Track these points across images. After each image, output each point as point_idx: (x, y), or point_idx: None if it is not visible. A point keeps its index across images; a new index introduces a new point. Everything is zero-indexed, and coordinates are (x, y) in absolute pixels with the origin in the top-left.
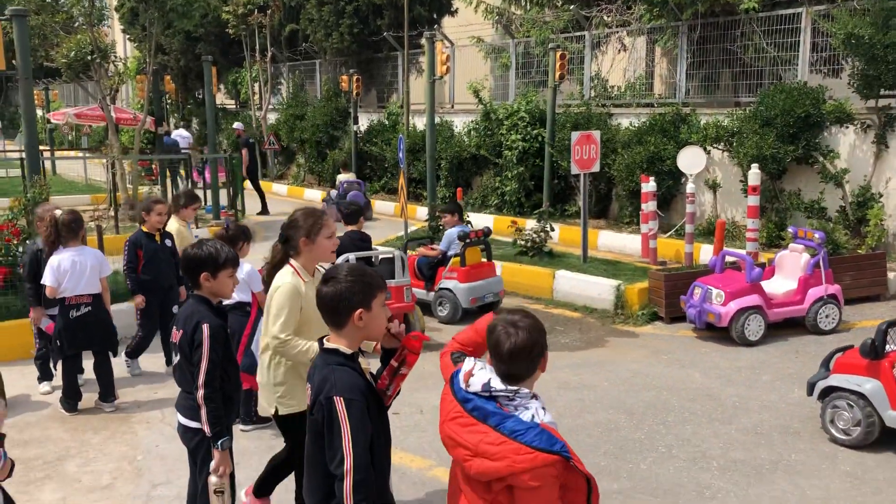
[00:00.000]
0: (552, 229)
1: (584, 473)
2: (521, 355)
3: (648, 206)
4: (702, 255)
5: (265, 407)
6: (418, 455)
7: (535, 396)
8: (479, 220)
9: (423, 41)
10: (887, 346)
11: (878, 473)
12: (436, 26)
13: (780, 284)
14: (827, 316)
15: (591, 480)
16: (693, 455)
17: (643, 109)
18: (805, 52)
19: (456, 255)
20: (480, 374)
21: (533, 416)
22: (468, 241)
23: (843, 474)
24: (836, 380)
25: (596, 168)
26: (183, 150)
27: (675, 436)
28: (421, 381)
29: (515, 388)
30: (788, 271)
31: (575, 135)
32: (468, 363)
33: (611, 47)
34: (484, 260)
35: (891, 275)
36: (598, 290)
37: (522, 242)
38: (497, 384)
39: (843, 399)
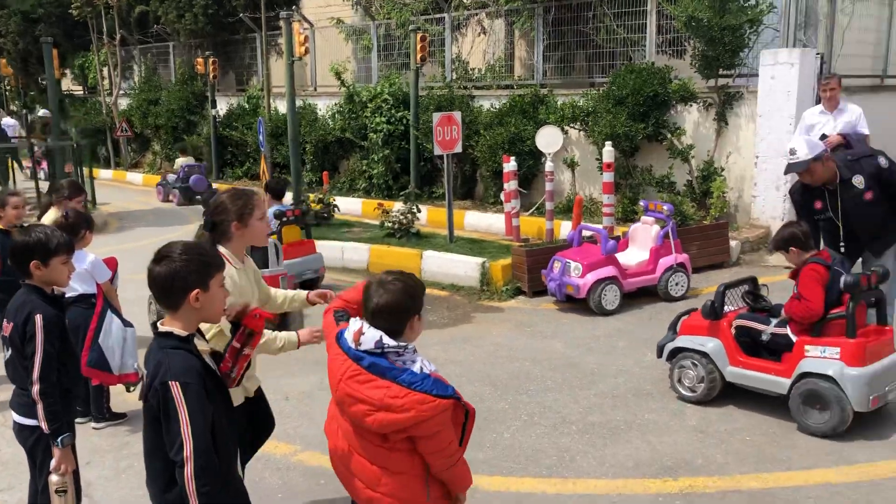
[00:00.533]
0: (419, 211)
1: (467, 408)
2: (384, 314)
3: (510, 186)
4: (562, 230)
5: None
6: (283, 441)
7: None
8: (348, 203)
9: (281, 22)
10: (725, 307)
11: (720, 426)
12: (294, 7)
13: (634, 255)
14: (677, 283)
15: (471, 411)
16: (554, 421)
17: (503, 91)
18: (651, 33)
19: (273, 234)
20: (370, 332)
21: (422, 368)
22: (284, 219)
23: (689, 429)
24: (681, 341)
25: (458, 149)
26: (12, 140)
27: (537, 403)
28: (285, 367)
29: (404, 343)
30: (641, 243)
31: (436, 116)
32: (355, 323)
33: (471, 30)
34: (303, 238)
35: (733, 243)
36: (465, 268)
37: (390, 224)
38: (389, 341)
39: (688, 359)
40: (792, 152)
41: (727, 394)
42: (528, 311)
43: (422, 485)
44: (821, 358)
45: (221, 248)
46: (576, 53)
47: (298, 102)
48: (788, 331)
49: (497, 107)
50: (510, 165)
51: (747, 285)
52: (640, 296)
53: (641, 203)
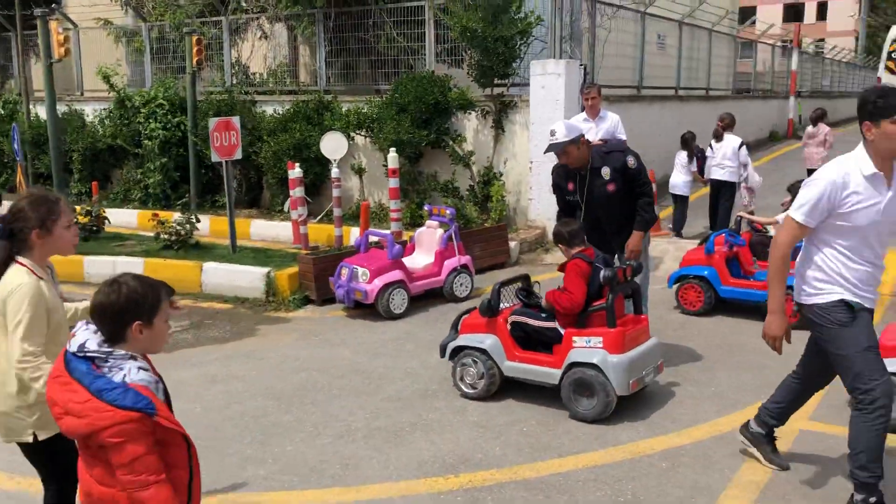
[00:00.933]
0: (198, 220)
1: (179, 431)
2: (97, 315)
3: (296, 193)
4: (352, 237)
5: (15, 436)
6: None
7: (133, 357)
8: (121, 215)
9: (38, 21)
10: (501, 304)
11: (499, 419)
12: (54, 5)
13: (420, 259)
14: (461, 284)
15: (187, 437)
16: (339, 430)
17: (287, 97)
18: (430, 43)
19: None
20: (81, 334)
21: (124, 377)
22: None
23: (471, 424)
24: (462, 340)
25: (238, 155)
26: None
27: (322, 413)
28: None
29: (110, 349)
30: (427, 246)
31: (213, 122)
32: (78, 324)
33: (251, 34)
34: None
35: (512, 243)
36: (249, 278)
37: (166, 236)
38: (91, 345)
39: (468, 356)
40: (552, 133)
41: (508, 388)
42: (316, 319)
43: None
44: (586, 348)
45: (21, 259)
46: (359, 60)
47: (63, 108)
48: (557, 324)
49: (281, 112)
50: (295, 172)
51: (521, 282)
52: (428, 298)
53: (426, 207)
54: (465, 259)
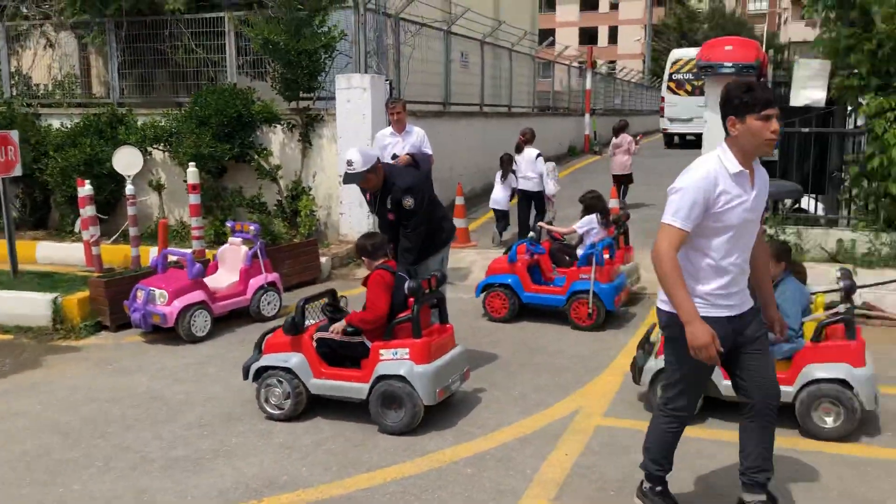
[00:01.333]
0: None
1: None
2: None
3: (87, 212)
4: (151, 257)
5: None
6: None
7: None
8: None
9: None
10: (307, 321)
11: (306, 439)
12: None
13: (224, 278)
14: (269, 303)
15: None
16: (133, 462)
17: (76, 109)
18: (231, 55)
19: None
20: None
21: None
22: None
23: (277, 447)
24: (266, 360)
25: (18, 172)
26: None
27: (114, 446)
28: None
29: None
30: (230, 265)
31: None
32: None
33: (33, 42)
34: None
35: (323, 259)
36: (32, 306)
37: None
38: None
39: (273, 377)
40: (349, 163)
41: (316, 406)
42: (110, 346)
43: None
44: (393, 360)
45: None
46: (156, 72)
47: None
48: (364, 338)
49: (69, 126)
50: (86, 190)
51: (327, 298)
52: (233, 318)
53: (228, 224)
54: (273, 276)
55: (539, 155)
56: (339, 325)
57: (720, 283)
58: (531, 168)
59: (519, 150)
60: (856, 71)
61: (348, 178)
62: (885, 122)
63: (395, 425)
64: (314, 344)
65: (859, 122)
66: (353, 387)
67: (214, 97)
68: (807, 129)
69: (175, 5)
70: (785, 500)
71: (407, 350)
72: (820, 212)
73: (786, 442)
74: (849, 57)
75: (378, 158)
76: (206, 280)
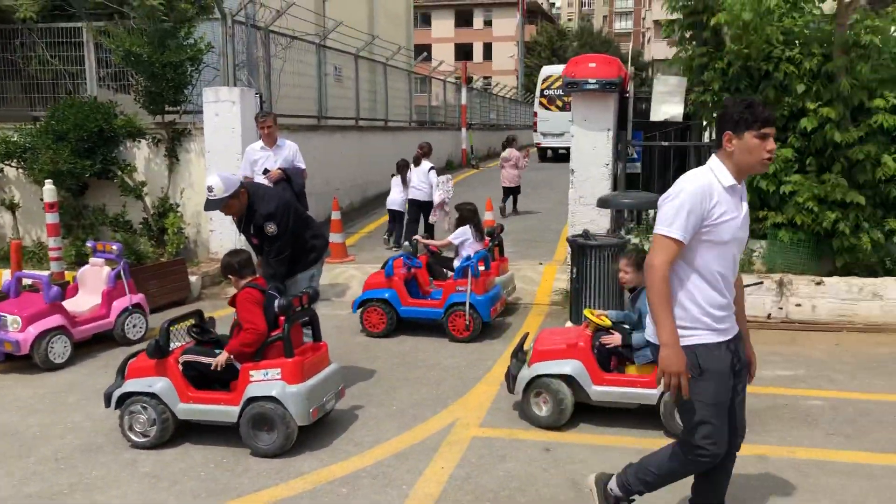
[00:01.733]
0: None
1: None
2: None
3: None
4: (4, 281)
5: None
6: None
7: None
8: None
9: None
10: (173, 344)
11: (174, 467)
12: None
13: (85, 301)
14: (134, 325)
15: None
16: None
17: None
18: (91, 66)
19: None
20: None
21: None
22: None
23: (142, 476)
24: (129, 385)
25: None
26: None
27: None
28: None
29: None
30: (92, 287)
31: None
32: None
33: None
34: None
35: (193, 278)
36: None
37: None
38: None
39: (137, 403)
40: (210, 190)
41: (185, 431)
42: None
43: None
44: (264, 381)
45: None
46: (7, 84)
47: None
48: (232, 359)
49: None
50: None
51: (193, 319)
52: (96, 343)
53: (89, 244)
54: (138, 298)
55: (432, 168)
56: (222, 359)
57: (719, 304)
58: (423, 179)
59: (416, 162)
60: (709, 87)
61: (209, 205)
62: None
63: (268, 448)
64: (180, 367)
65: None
66: (223, 410)
67: (73, 111)
68: (666, 143)
69: (27, 13)
70: (654, 497)
71: (278, 370)
72: None
73: (652, 443)
74: (703, 74)
75: (241, 184)
76: (66, 303)
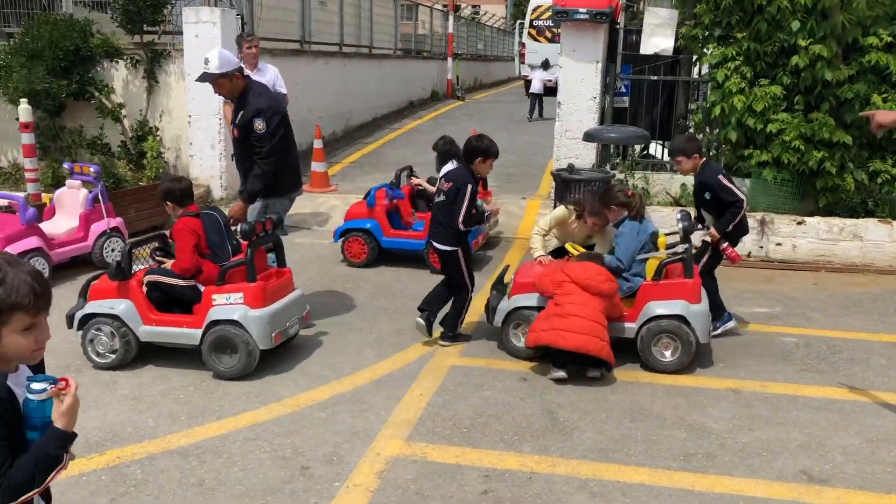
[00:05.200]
0: None
1: None
2: None
3: None
4: None
5: None
6: None
7: None
8: None
9: None
10: (135, 266)
11: (153, 389)
12: None
13: (63, 223)
14: (112, 249)
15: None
16: None
17: None
18: None
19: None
20: None
21: None
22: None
23: (121, 398)
24: (92, 306)
25: None
26: None
27: None
28: None
29: None
30: (69, 209)
31: None
32: None
33: None
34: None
35: None
36: None
37: None
38: None
39: (99, 324)
40: (206, 62)
41: (164, 356)
42: None
43: None
44: (226, 305)
45: None
46: None
47: None
48: (195, 282)
49: None
50: None
51: (156, 242)
52: (75, 266)
53: (66, 165)
54: (116, 221)
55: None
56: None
57: None
58: None
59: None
60: (700, 21)
61: (201, 77)
62: (726, 72)
63: (229, 371)
64: (144, 289)
65: (704, 71)
66: (185, 332)
67: (48, 28)
68: (655, 77)
69: None
70: (622, 427)
71: (241, 294)
72: (667, 158)
73: (627, 375)
74: (695, 7)
75: (240, 69)
76: (43, 226)
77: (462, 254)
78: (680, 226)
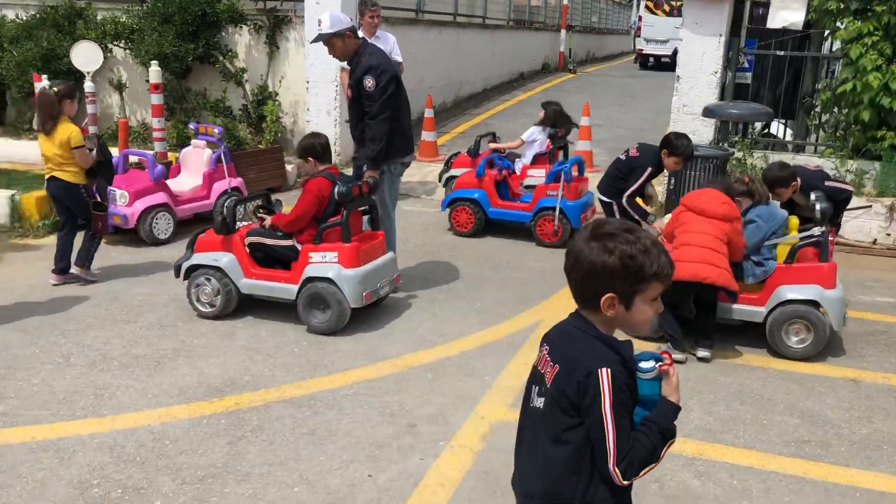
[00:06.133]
0: None
1: None
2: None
3: None
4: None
5: None
6: None
7: None
8: None
9: None
10: (238, 223)
11: (269, 342)
12: None
13: (187, 181)
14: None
15: None
16: (93, 359)
17: (32, 1)
18: None
19: None
20: None
21: None
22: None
23: (239, 348)
24: (197, 258)
25: None
26: None
27: (74, 343)
28: None
29: None
30: (194, 168)
31: None
32: None
33: None
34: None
35: (288, 167)
36: None
37: None
38: None
39: (203, 275)
40: (318, 23)
41: (279, 311)
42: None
43: None
44: (322, 263)
45: None
46: None
47: None
48: (294, 241)
49: (25, 18)
50: (43, 85)
51: (261, 200)
52: (198, 223)
53: (191, 126)
54: (237, 182)
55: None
56: (266, 222)
57: None
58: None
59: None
60: None
61: (315, 38)
62: (862, 48)
63: (321, 325)
64: (246, 247)
65: (836, 47)
66: (283, 287)
67: None
68: (782, 52)
69: None
70: (731, 409)
71: (335, 254)
72: (788, 137)
73: (738, 358)
74: None
75: (352, 28)
76: (169, 183)
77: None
78: (818, 207)
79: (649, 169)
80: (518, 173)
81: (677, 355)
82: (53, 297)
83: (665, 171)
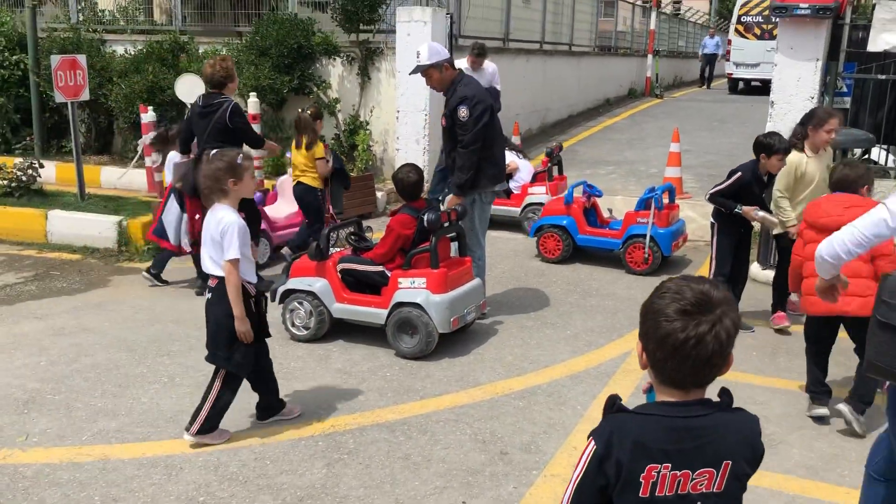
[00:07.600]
0: (41, 166)
1: None
2: None
3: (149, 138)
4: None
5: None
6: None
7: None
8: None
9: None
10: (331, 249)
11: (363, 366)
12: None
13: (283, 208)
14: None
15: None
16: (198, 380)
17: (139, 36)
18: None
19: None
20: None
21: None
22: None
23: (334, 371)
24: (292, 283)
25: (85, 96)
26: None
27: (178, 365)
28: None
29: None
30: (289, 195)
31: (55, 59)
32: None
33: None
34: None
35: (379, 194)
36: (99, 227)
37: (5, 182)
38: None
39: (297, 299)
40: (417, 55)
41: (371, 336)
42: (172, 270)
43: None
44: (411, 288)
45: None
46: (217, 0)
47: None
48: (384, 268)
49: (132, 53)
50: (149, 116)
51: (352, 227)
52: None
53: (287, 155)
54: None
55: None
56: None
57: None
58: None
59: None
60: None
61: (413, 69)
62: None
63: (409, 349)
64: (338, 273)
65: None
66: (373, 312)
67: (275, 27)
68: (883, 76)
69: None
70: (835, 446)
71: (424, 279)
72: (891, 164)
73: (842, 392)
74: None
75: (450, 60)
76: (266, 209)
77: (720, 232)
78: None
79: (739, 173)
80: (518, 192)
81: (816, 410)
82: (159, 319)
83: (772, 174)
